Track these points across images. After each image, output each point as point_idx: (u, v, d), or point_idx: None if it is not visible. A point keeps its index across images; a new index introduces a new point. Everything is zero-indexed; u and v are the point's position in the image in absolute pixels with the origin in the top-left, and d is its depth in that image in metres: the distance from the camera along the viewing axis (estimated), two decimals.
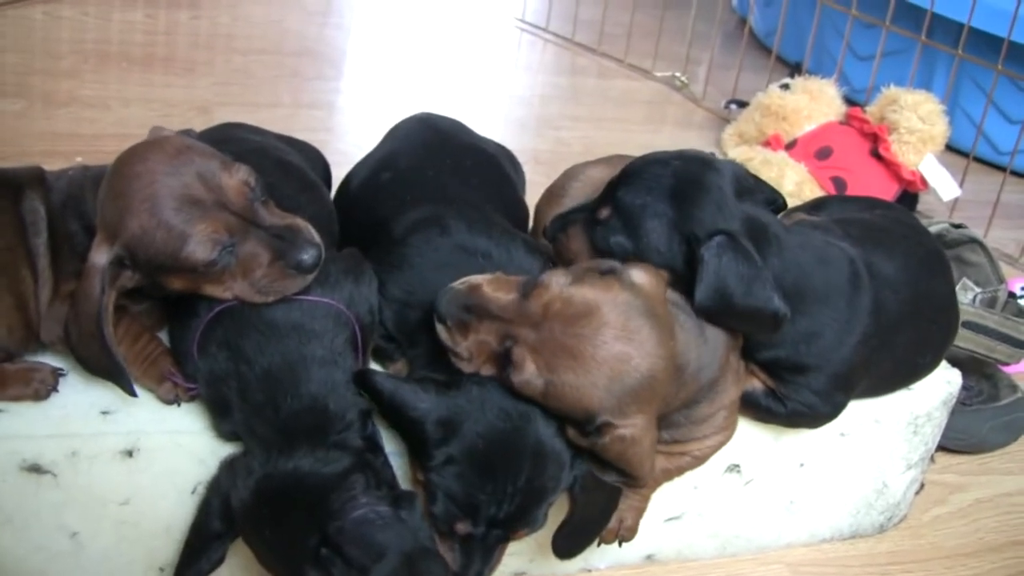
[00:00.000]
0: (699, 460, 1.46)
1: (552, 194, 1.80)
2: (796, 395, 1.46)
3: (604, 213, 1.38)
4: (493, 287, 1.25)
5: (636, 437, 1.22)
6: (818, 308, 1.41)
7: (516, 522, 1.28)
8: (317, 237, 1.29)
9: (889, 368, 1.56)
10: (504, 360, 1.23)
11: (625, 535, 1.45)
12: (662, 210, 1.34)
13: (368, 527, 1.22)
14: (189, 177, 1.23)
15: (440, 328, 1.26)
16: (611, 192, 1.39)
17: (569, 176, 1.82)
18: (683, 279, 1.33)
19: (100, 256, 1.24)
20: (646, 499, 1.46)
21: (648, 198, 1.35)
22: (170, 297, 1.34)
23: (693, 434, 1.42)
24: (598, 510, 1.37)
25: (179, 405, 1.36)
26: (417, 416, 1.25)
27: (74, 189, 1.33)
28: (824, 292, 1.42)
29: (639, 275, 1.26)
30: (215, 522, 1.31)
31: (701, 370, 1.34)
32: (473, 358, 1.26)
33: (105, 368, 1.29)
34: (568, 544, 1.37)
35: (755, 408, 1.49)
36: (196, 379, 1.33)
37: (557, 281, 1.22)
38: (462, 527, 1.27)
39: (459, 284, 1.26)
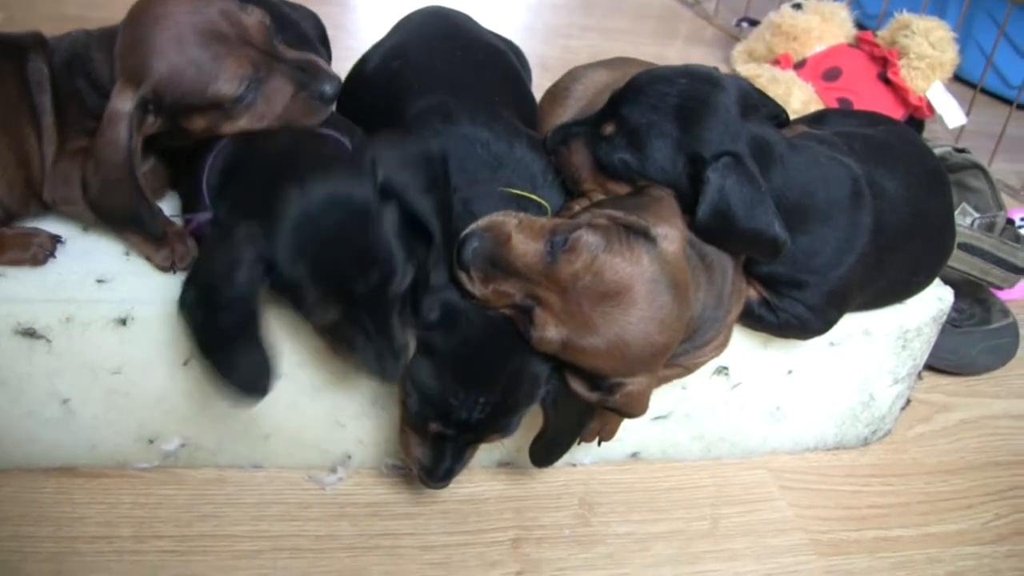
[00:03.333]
0: (690, 371, 1.47)
1: (555, 95, 1.80)
2: (789, 308, 1.46)
3: (608, 129, 1.37)
4: (522, 237, 1.23)
5: (642, 391, 1.25)
6: (819, 227, 1.41)
7: (487, 428, 1.31)
8: (333, 70, 1.34)
9: (884, 286, 1.55)
10: (524, 314, 1.23)
11: (605, 436, 1.47)
12: (668, 130, 1.33)
13: None
14: (212, 14, 1.27)
15: (461, 275, 1.25)
16: (615, 108, 1.38)
17: (572, 77, 1.81)
18: (687, 197, 1.33)
19: (124, 102, 1.25)
20: None
21: (654, 117, 1.34)
22: (178, 154, 1.38)
23: (693, 357, 1.43)
24: (573, 422, 1.38)
25: (175, 273, 1.36)
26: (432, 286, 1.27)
27: (78, 48, 1.33)
28: (826, 211, 1.41)
29: (667, 240, 1.24)
30: None
31: (706, 308, 1.35)
32: (490, 302, 1.26)
33: (131, 214, 1.30)
34: (544, 454, 1.41)
35: (747, 316, 1.49)
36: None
37: (588, 245, 1.20)
38: (434, 427, 1.30)
39: (484, 230, 1.25)
